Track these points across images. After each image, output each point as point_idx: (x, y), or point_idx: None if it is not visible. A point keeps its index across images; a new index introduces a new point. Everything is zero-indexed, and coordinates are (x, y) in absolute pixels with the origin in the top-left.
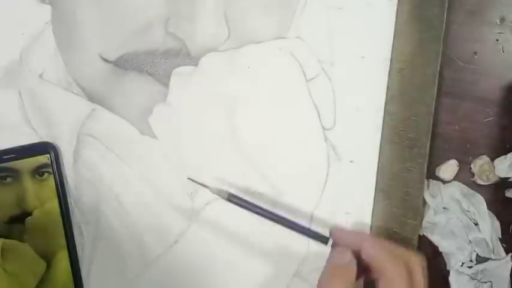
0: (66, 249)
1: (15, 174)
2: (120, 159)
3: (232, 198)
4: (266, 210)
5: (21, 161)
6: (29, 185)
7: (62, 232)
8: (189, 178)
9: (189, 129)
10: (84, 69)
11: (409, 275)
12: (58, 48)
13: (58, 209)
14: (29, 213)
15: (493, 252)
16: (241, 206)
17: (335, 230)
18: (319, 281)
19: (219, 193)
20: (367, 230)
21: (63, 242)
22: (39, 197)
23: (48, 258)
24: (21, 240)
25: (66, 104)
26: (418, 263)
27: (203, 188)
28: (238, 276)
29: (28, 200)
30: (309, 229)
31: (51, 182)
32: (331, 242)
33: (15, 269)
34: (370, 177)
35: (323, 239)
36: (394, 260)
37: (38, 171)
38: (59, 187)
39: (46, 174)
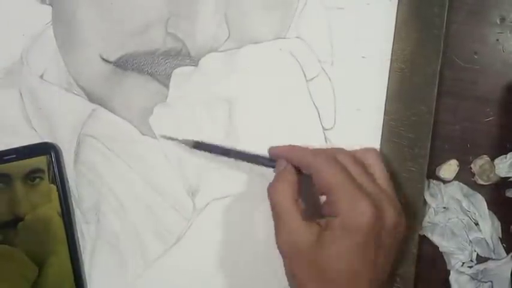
0: (59, 254)
1: (7, 179)
2: (121, 160)
3: (197, 145)
4: (231, 150)
5: (13, 166)
6: (20, 190)
7: (54, 237)
8: (162, 136)
9: (189, 129)
10: (84, 70)
11: (334, 162)
12: (58, 48)
13: (50, 214)
14: (21, 219)
15: (494, 252)
16: (208, 151)
17: (271, 148)
18: (267, 188)
19: (186, 142)
20: None
21: (55, 247)
22: (31, 202)
23: (40, 263)
24: (13, 245)
25: (67, 105)
26: (367, 156)
27: (203, 188)
28: (238, 276)
29: (20, 205)
30: (268, 159)
31: (43, 187)
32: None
33: (7, 274)
34: None
35: (271, 164)
36: (314, 152)
37: (30, 177)
38: (60, 187)
39: (38, 180)
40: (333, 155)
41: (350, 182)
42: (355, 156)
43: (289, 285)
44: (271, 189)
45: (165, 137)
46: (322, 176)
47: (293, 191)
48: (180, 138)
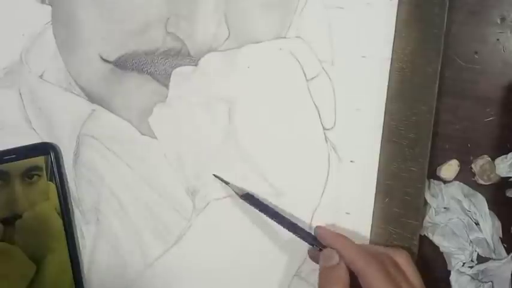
0: (57, 252)
1: (5, 176)
2: (120, 160)
3: (247, 197)
4: (276, 213)
5: (12, 163)
6: (18, 187)
7: (52, 234)
8: (214, 175)
9: (189, 129)
10: (84, 70)
11: (383, 270)
12: (58, 48)
13: (48, 212)
14: (19, 216)
15: (494, 252)
16: (254, 206)
17: (319, 228)
18: (318, 285)
19: (238, 190)
20: (367, 230)
21: (53, 244)
22: (29, 199)
23: (38, 261)
24: (11, 242)
25: (67, 105)
26: (399, 256)
27: (203, 188)
28: (238, 277)
29: (18, 203)
30: (310, 234)
31: (41, 184)
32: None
33: (5, 272)
34: (370, 177)
35: (314, 242)
36: (365, 256)
37: (28, 174)
38: (59, 187)
39: (36, 177)
40: (377, 258)
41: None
42: (392, 258)
43: None
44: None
45: (217, 177)
46: (370, 283)
47: None
48: (232, 184)
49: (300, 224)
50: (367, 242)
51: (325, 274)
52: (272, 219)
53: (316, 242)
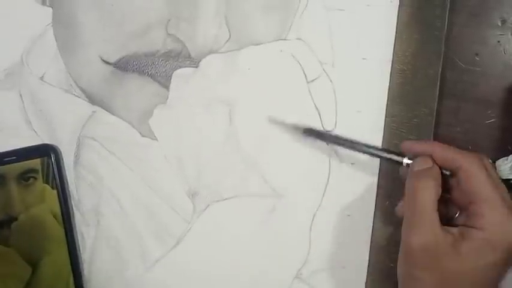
0: (53, 255)
1: (1, 179)
2: (121, 161)
3: (307, 133)
4: (341, 138)
5: (8, 166)
6: (14, 190)
7: (48, 237)
8: (270, 118)
9: (190, 131)
10: (84, 71)
11: (484, 167)
12: (59, 50)
13: (43, 214)
14: (15, 219)
15: None
16: (318, 138)
17: (406, 143)
18: (406, 188)
19: (295, 128)
20: (368, 233)
21: (49, 246)
22: (25, 202)
23: (33, 263)
24: (6, 245)
25: (67, 106)
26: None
27: (204, 189)
28: (238, 278)
29: (14, 205)
30: (384, 149)
31: (37, 187)
32: (407, 160)
33: (1, 274)
34: (371, 179)
35: (399, 156)
36: (467, 154)
37: (24, 177)
38: (60, 189)
39: (32, 180)
40: (478, 156)
41: (501, 197)
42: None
43: (403, 285)
44: (419, 184)
45: (273, 121)
46: (475, 185)
47: (438, 193)
48: (288, 123)
49: (300, 227)
50: (368, 245)
51: (416, 174)
52: (344, 147)
53: (404, 155)
